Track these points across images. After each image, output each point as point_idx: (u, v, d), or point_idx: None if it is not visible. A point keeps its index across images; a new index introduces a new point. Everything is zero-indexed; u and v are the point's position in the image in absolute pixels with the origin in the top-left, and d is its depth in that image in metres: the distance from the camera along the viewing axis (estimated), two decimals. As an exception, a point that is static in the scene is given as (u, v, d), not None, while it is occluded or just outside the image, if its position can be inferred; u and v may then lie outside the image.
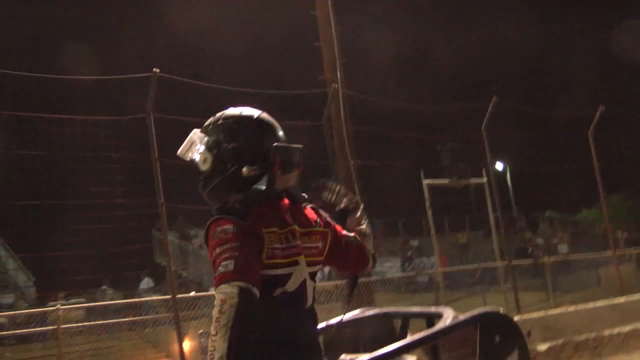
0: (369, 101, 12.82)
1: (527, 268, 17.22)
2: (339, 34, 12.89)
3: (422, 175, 13.50)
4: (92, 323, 10.76)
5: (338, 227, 2.86)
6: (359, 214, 3.00)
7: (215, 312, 2.22)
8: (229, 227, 2.38)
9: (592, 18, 30.77)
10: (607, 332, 9.10)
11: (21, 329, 10.65)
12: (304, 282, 2.55)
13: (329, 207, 2.95)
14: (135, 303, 12.53)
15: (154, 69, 8.84)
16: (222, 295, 2.23)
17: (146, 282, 18.75)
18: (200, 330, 10.40)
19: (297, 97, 11.45)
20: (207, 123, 2.70)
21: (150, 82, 8.86)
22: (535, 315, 9.81)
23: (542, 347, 8.39)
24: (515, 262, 13.56)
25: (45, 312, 10.50)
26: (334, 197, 2.99)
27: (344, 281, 10.47)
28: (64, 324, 9.31)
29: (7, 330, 11.11)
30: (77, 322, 10.78)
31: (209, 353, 2.20)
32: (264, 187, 2.52)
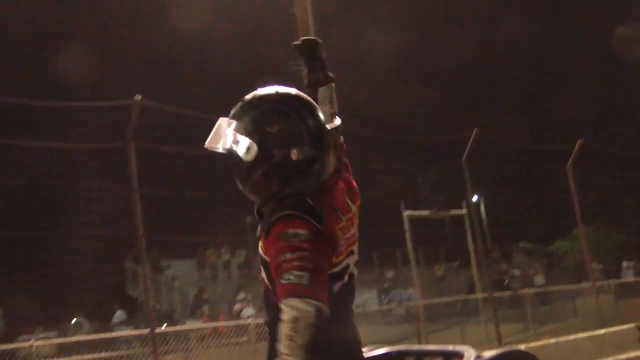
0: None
1: (505, 299, 17.26)
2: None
3: (402, 207, 13.49)
4: (66, 359, 10.38)
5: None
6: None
7: (287, 330, 2.04)
8: (303, 232, 2.14)
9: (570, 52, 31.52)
10: (588, 364, 9.11)
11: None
12: (353, 273, 2.41)
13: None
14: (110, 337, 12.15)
15: (136, 96, 8.59)
16: (296, 312, 2.04)
17: (119, 315, 18.28)
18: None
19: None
20: (236, 109, 2.38)
21: (131, 109, 8.65)
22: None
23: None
24: (496, 294, 13.55)
25: (16, 349, 10.06)
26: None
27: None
28: (37, 361, 8.96)
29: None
30: (48, 358, 10.38)
31: None
32: (318, 170, 2.30)
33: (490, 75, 31.66)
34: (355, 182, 2.59)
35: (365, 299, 20.66)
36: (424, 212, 14.03)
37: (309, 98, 2.43)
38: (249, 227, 24.02)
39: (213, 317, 19.36)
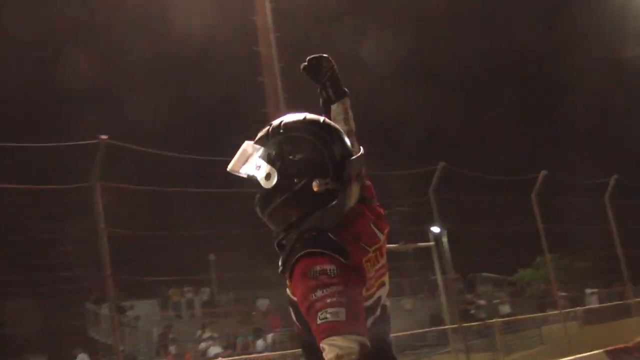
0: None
1: (473, 329, 17.33)
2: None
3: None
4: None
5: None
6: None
7: None
8: (331, 268, 2.05)
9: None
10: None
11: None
12: (386, 305, 2.34)
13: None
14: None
15: (101, 136, 8.53)
16: (339, 350, 1.95)
17: (82, 358, 17.72)
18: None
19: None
20: (262, 133, 2.31)
21: (97, 149, 8.54)
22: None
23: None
24: (465, 324, 13.59)
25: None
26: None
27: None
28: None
29: None
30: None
31: None
32: (339, 204, 2.19)
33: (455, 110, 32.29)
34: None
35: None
36: (392, 246, 14.05)
37: (337, 127, 2.35)
38: (212, 264, 23.75)
39: (178, 357, 18.96)
